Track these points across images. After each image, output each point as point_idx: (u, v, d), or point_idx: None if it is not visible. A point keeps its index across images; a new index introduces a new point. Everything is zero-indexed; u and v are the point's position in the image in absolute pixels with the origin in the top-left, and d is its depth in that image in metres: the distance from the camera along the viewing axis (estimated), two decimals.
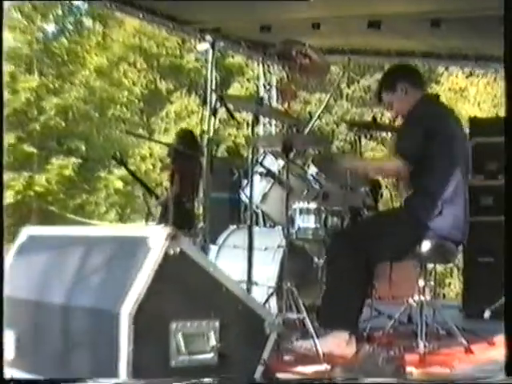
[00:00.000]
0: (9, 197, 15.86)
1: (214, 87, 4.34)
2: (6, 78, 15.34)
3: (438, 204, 3.94)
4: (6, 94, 15.57)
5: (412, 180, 4.15)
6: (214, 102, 4.35)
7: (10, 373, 2.99)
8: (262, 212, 5.07)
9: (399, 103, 4.31)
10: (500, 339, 3.02)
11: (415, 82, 4.38)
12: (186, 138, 6.00)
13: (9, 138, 15.74)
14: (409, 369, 3.31)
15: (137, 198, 15.77)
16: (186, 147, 5.75)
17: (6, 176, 15.83)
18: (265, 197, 4.73)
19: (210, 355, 2.82)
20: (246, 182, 4.78)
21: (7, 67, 15.72)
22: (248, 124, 4.84)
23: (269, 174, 4.72)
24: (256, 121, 4.35)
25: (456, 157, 4.09)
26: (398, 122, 4.63)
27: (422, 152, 3.98)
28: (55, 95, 16.80)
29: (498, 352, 3.12)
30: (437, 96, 5.05)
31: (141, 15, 6.68)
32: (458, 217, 3.96)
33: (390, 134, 5.88)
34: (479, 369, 3.59)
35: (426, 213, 3.90)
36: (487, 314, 5.23)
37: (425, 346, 3.87)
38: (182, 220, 5.43)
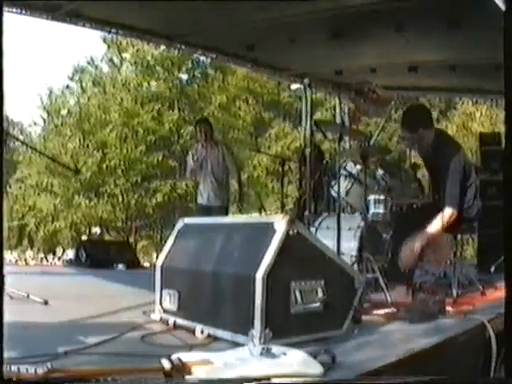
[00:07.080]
0: (159, 197, 19.16)
1: (309, 115, 4.37)
2: (154, 114, 18.89)
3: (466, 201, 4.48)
4: (154, 125, 18.92)
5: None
6: (309, 126, 4.37)
7: (171, 321, 3.21)
8: (347, 202, 5.16)
9: (418, 141, 4.54)
10: (501, 285, 3.12)
11: (430, 120, 4.57)
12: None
13: (157, 156, 19.32)
14: (447, 308, 3.77)
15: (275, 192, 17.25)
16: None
17: (156, 183, 19.04)
18: (348, 192, 4.87)
19: (318, 304, 2.98)
20: (334, 181, 4.99)
21: (156, 105, 19.32)
22: (332, 140, 5.12)
23: (350, 175, 4.85)
24: (341, 138, 4.60)
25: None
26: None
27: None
28: (190, 124, 19.37)
29: (500, 294, 3.15)
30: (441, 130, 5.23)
31: (249, 65, 7.89)
32: (476, 204, 4.60)
33: None
34: (490, 305, 3.94)
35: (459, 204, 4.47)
36: (492, 269, 6.11)
37: (457, 293, 4.32)
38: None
